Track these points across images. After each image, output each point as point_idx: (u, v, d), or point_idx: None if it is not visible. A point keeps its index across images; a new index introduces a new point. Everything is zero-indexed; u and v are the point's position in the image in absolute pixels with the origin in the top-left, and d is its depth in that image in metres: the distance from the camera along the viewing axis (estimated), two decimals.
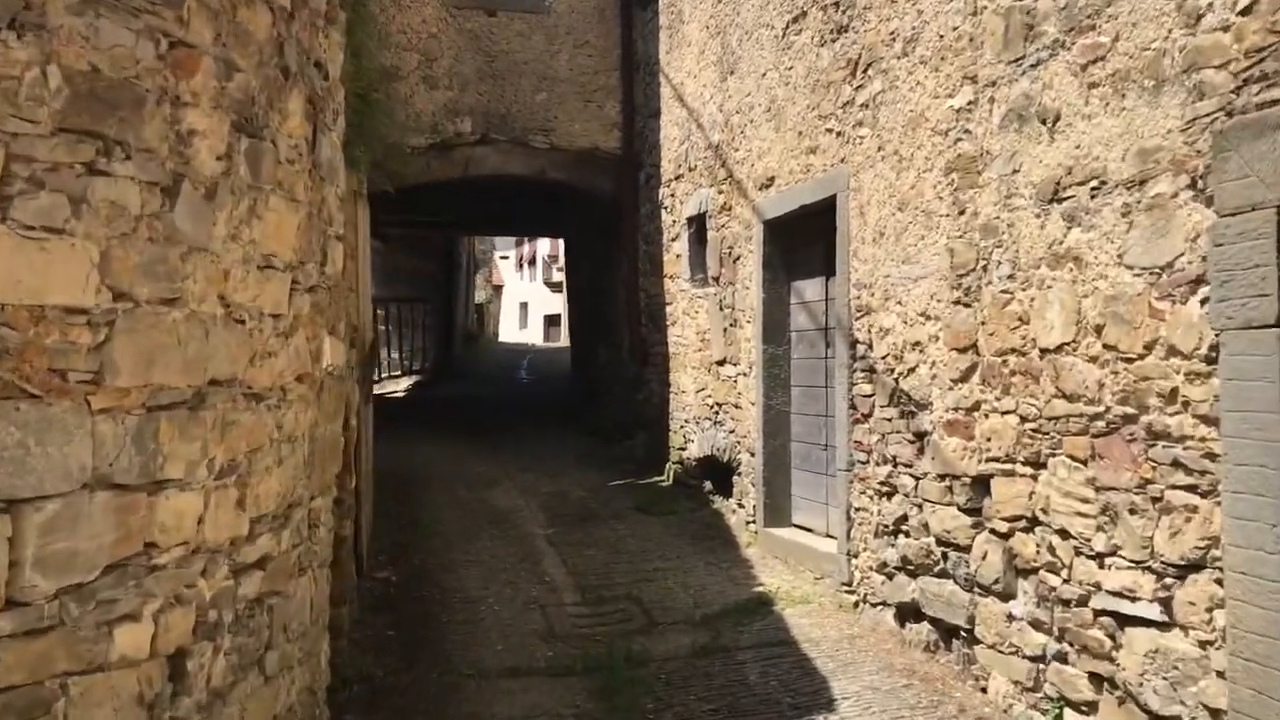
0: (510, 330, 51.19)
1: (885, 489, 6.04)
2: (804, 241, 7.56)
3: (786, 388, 7.81)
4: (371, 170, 7.35)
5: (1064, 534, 4.51)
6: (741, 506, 8.33)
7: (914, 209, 5.72)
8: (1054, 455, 4.59)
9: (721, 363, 8.76)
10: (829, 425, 7.18)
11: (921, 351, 5.65)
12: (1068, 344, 4.49)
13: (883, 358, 6.06)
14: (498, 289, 54.17)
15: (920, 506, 5.67)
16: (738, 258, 8.36)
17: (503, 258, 54.96)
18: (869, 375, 6.23)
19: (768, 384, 7.81)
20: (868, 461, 6.26)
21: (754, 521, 7.99)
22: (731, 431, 8.57)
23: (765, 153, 7.77)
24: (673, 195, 10.07)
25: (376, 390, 19.66)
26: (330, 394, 3.90)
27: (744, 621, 6.21)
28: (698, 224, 9.42)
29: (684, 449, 9.81)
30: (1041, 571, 4.68)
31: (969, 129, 5.24)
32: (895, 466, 5.92)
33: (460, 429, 13.92)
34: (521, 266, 54.17)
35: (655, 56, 10.46)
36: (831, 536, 7.12)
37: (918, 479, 5.69)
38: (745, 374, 8.22)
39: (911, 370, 5.74)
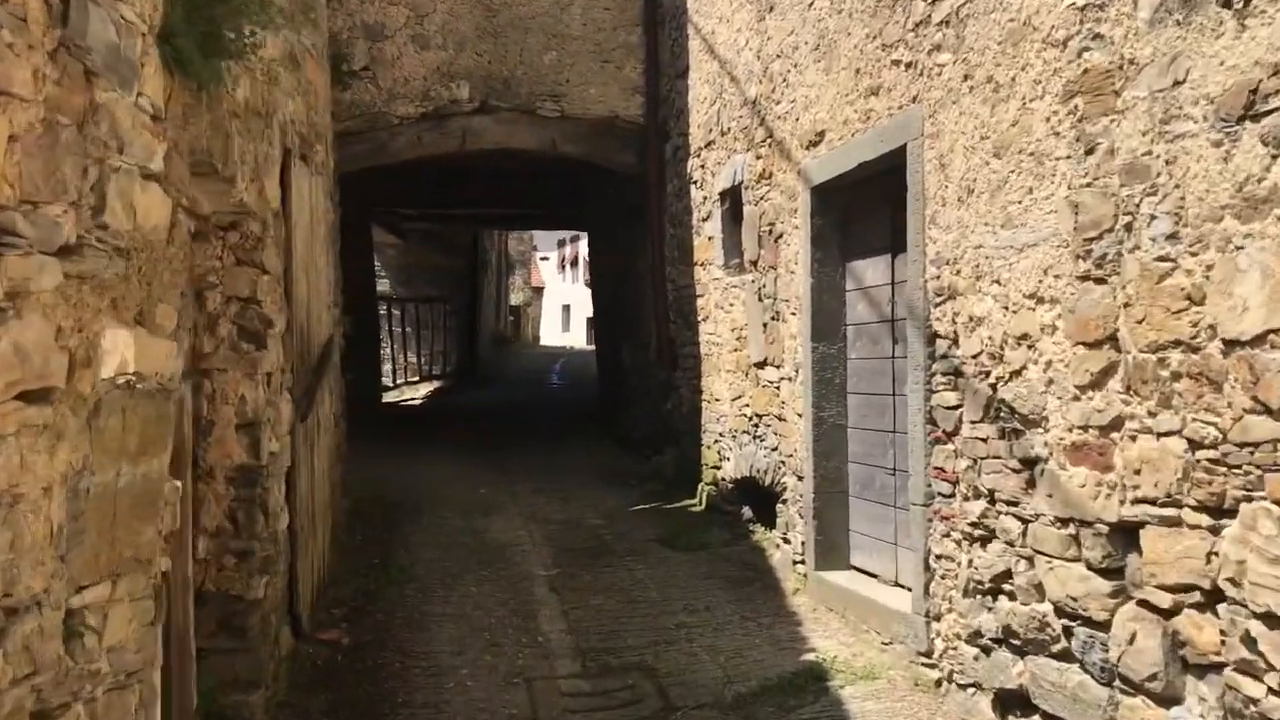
0: (553, 333, 50.80)
1: (979, 532, 4.58)
2: (863, 210, 6.12)
3: (841, 396, 6.36)
4: (312, 123, 6.02)
5: (1271, 619, 3.03)
6: (787, 541, 6.89)
7: (1017, 153, 4.26)
8: (1249, 499, 3.11)
9: (761, 365, 7.32)
10: (898, 444, 5.73)
11: (1031, 347, 4.19)
12: (1273, 332, 3.02)
13: (973, 356, 4.60)
14: (538, 291, 53.80)
15: (1030, 560, 4.21)
16: (779, 236, 6.93)
17: (543, 259, 55.03)
18: (953, 380, 4.78)
19: (818, 391, 6.37)
20: (953, 495, 4.80)
21: (802, 561, 6.55)
22: (774, 449, 7.14)
23: (813, 102, 6.33)
24: (702, 167, 8.65)
25: (391, 398, 18.45)
26: (129, 419, 2.53)
27: (791, 705, 4.78)
28: (732, 198, 7.99)
29: (718, 467, 8.39)
30: (1229, 672, 3.20)
31: (1100, 33, 3.77)
32: (993, 503, 4.46)
33: (472, 442, 12.60)
34: (564, 268, 54.23)
35: (682, 4, 9.05)
36: (903, 586, 5.67)
37: (1026, 522, 4.23)
38: (790, 379, 6.78)
39: (1016, 373, 4.28)
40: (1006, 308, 4.35)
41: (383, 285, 21.25)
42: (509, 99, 9.46)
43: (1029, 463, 4.22)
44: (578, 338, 47.32)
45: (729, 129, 7.94)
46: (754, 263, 7.40)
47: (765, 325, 7.21)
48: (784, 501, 6.98)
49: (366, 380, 15.40)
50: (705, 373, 8.73)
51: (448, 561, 7.14)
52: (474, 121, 9.46)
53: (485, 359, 23.74)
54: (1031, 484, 4.21)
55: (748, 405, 7.64)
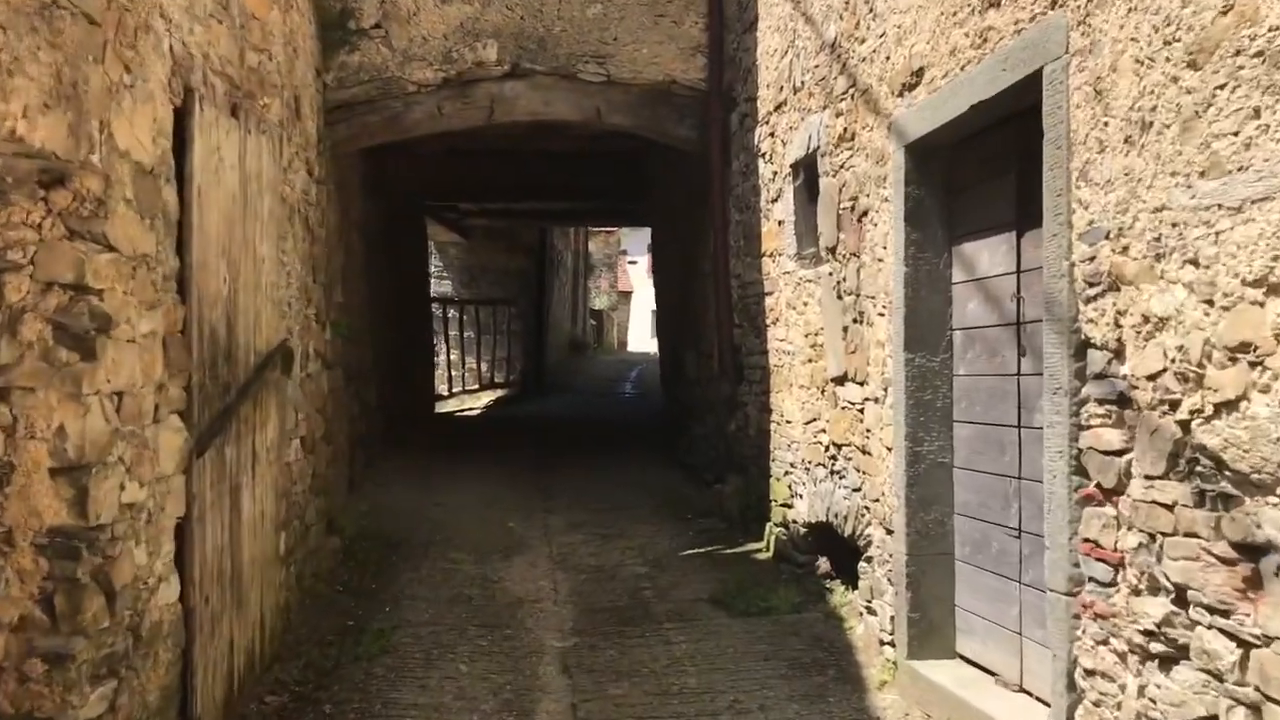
0: (641, 338, 50.46)
1: (1159, 648, 3.04)
2: (976, 172, 4.60)
3: (945, 424, 4.84)
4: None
5: None
6: (872, 612, 5.38)
7: (1232, 55, 2.73)
8: None
9: (840, 381, 5.82)
10: (1025, 495, 4.20)
11: (1257, 365, 2.65)
12: None
13: (1150, 377, 3.07)
14: (625, 295, 53.39)
15: (1255, 709, 2.67)
16: (864, 213, 5.43)
17: (632, 262, 55.08)
18: (1116, 411, 3.25)
19: (913, 417, 4.85)
20: (1114, 583, 3.27)
21: (892, 643, 5.03)
22: (856, 490, 5.63)
23: (908, 32, 4.82)
24: (771, 135, 7.17)
25: (447, 408, 17.29)
26: None
27: None
28: (806, 170, 6.52)
29: (789, 505, 6.90)
30: None
31: None
32: (1184, 605, 2.93)
33: (518, 460, 11.29)
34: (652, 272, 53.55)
35: None
36: (1032, 695, 4.13)
37: (1246, 645, 2.70)
38: (876, 399, 5.27)
39: (1227, 406, 2.75)
40: (1210, 301, 2.81)
41: (445, 286, 20.18)
42: (545, 61, 8.10)
43: (1251, 551, 2.68)
44: None
45: (803, 84, 6.46)
46: (832, 250, 5.91)
47: (845, 330, 5.70)
48: (868, 559, 5.47)
49: (416, 390, 14.27)
50: (774, 388, 7.25)
51: (442, 624, 5.78)
52: (504, 88, 8.12)
53: (555, 366, 22.51)
54: (1255, 584, 2.67)
55: (824, 431, 6.15)
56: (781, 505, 7.06)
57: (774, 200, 7.17)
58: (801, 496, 6.64)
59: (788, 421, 6.95)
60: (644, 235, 52.71)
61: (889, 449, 5.08)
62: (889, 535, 5.10)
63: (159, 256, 3.66)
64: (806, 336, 6.48)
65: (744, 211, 7.91)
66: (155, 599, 3.65)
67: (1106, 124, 3.29)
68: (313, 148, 6.38)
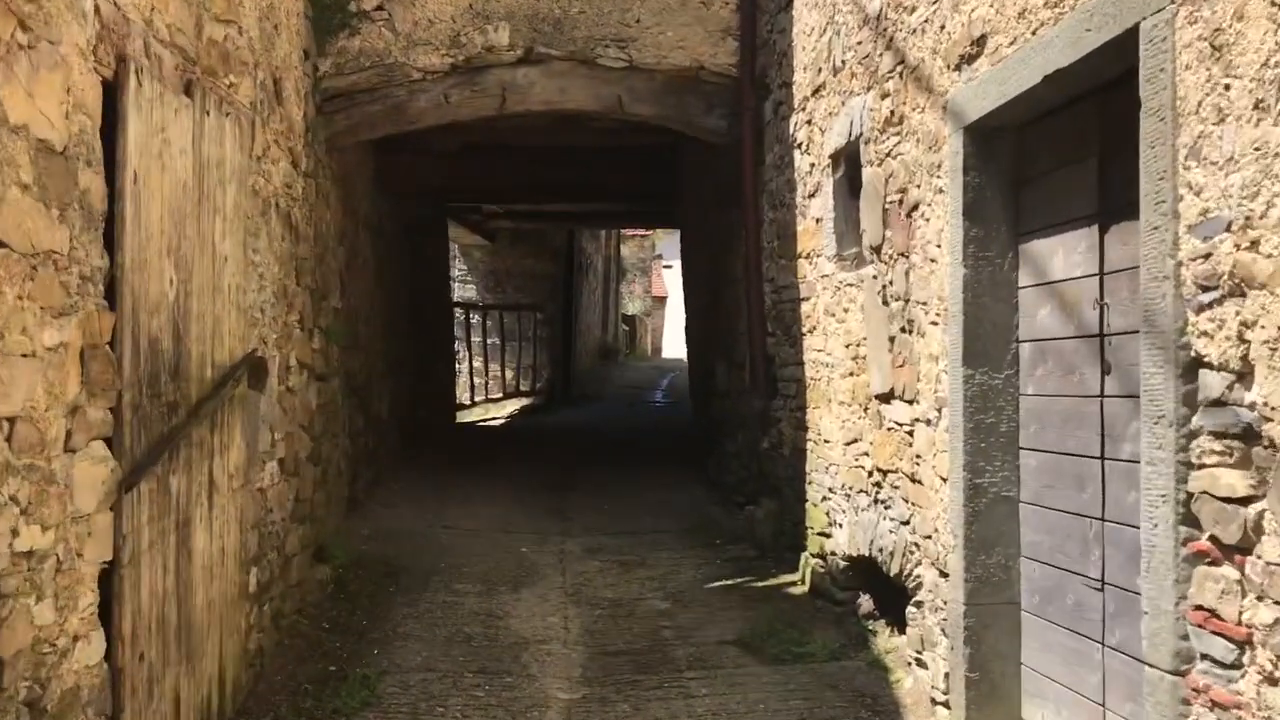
0: (675, 344, 50.06)
1: None
2: (1050, 155, 3.97)
3: (1010, 452, 4.20)
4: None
5: None
6: (923, 664, 4.74)
7: None
8: None
9: (886, 398, 5.18)
10: (1109, 540, 3.55)
11: None
12: None
13: None
14: (660, 300, 53.20)
15: None
16: (914, 207, 4.79)
17: (666, 267, 54.87)
18: (1240, 448, 2.61)
19: (973, 443, 4.21)
20: (1238, 665, 2.63)
21: (946, 704, 4.39)
22: (904, 522, 4.98)
23: None
24: (809, 123, 6.55)
25: (469, 417, 16.76)
26: None
27: None
28: (847, 161, 5.89)
29: (827, 534, 6.27)
30: None
31: None
32: None
33: (539, 475, 10.71)
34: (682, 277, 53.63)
35: None
36: None
37: None
38: (928, 420, 4.63)
39: None
40: None
41: (469, 291, 19.68)
42: (561, 45, 7.52)
43: None
44: None
45: (843, 63, 5.83)
46: (877, 250, 5.27)
47: (892, 340, 5.07)
48: (918, 604, 4.82)
49: (435, 400, 13.77)
50: (811, 403, 6.62)
51: (436, 670, 5.20)
52: (517, 75, 7.55)
53: (583, 373, 21.94)
54: None
55: (866, 454, 5.51)
56: (819, 534, 6.43)
57: (811, 195, 6.54)
58: (841, 526, 6.00)
59: (826, 441, 6.32)
60: (678, 239, 53.09)
61: (943, 479, 4.44)
62: (943, 578, 4.45)
63: (74, 254, 3.10)
64: (847, 347, 5.85)
65: (778, 209, 7.29)
66: (69, 662, 3.09)
67: (1228, 87, 2.65)
68: (298, 137, 5.84)
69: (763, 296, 7.57)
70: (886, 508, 5.22)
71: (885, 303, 5.14)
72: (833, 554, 6.14)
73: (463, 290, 19.44)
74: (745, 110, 7.62)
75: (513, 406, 18.19)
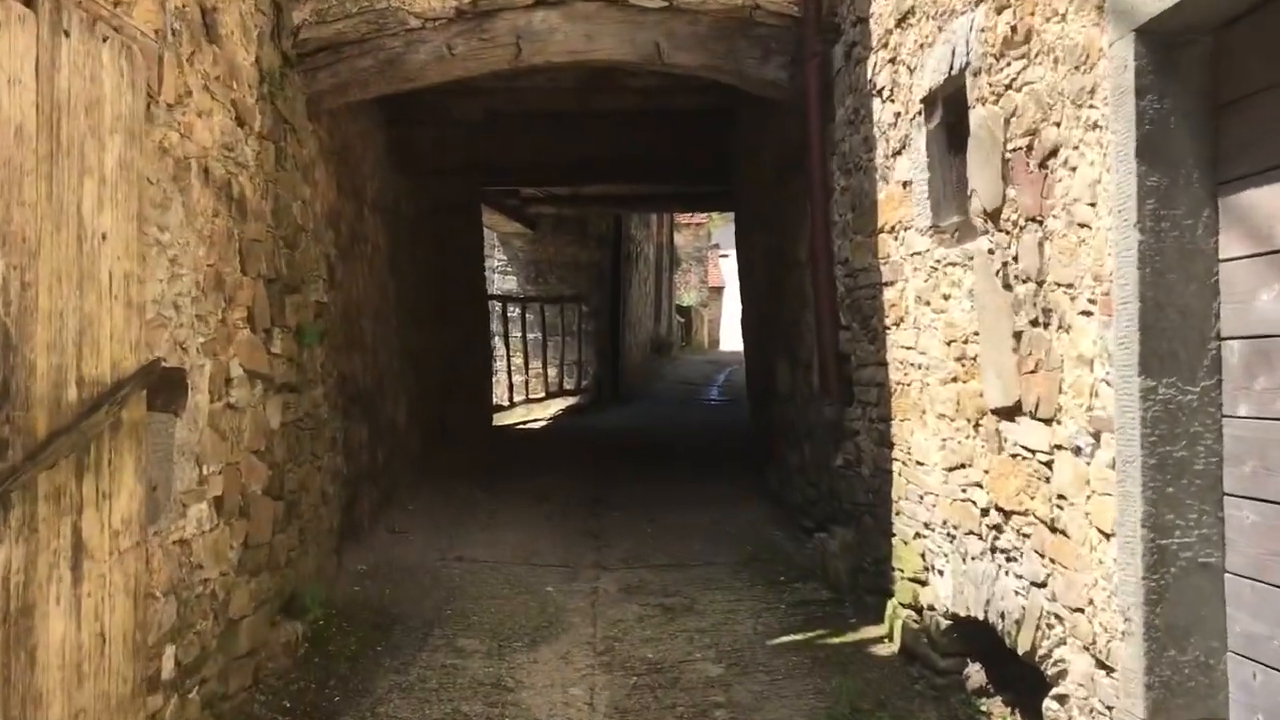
0: (734, 336, 49.42)
1: None
2: (1273, 67, 2.72)
3: (1212, 499, 2.94)
4: None
5: None
6: None
7: None
8: None
9: (1009, 413, 3.91)
10: None
11: None
12: None
13: None
14: (717, 290, 52.58)
15: None
16: (1050, 153, 3.52)
17: (723, 256, 54.46)
18: None
19: (1156, 486, 2.96)
20: None
21: None
22: (1039, 584, 3.72)
23: None
24: (892, 61, 5.28)
25: (508, 419, 15.65)
26: None
27: None
28: (947, 103, 4.63)
29: (922, 580, 5.03)
30: None
31: None
32: None
33: (575, 489, 9.56)
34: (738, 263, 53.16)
35: None
36: None
37: None
38: (1078, 449, 3.37)
39: None
40: None
41: (509, 283, 18.59)
42: None
43: None
44: None
45: None
46: (992, 215, 4.00)
47: (1018, 336, 3.80)
48: (1060, 698, 3.57)
49: (468, 402, 12.71)
50: (897, 413, 5.38)
51: None
52: (534, 19, 6.36)
53: (633, 369, 20.75)
54: None
55: (978, 485, 4.26)
56: (911, 579, 5.18)
57: (896, 154, 5.28)
58: (941, 573, 4.76)
59: (918, 463, 5.07)
60: (733, 225, 52.57)
61: (1104, 533, 3.19)
62: (1104, 672, 3.20)
63: None
64: (949, 344, 4.59)
65: (853, 174, 6.04)
66: None
67: None
68: (248, 87, 4.69)
69: (834, 282, 6.32)
70: (1010, 560, 3.97)
71: (1007, 286, 3.88)
72: (930, 608, 4.90)
73: (503, 282, 18.36)
74: (810, 56, 6.36)
75: (556, 407, 17.05)
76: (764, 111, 8.13)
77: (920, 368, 5.01)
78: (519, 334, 17.39)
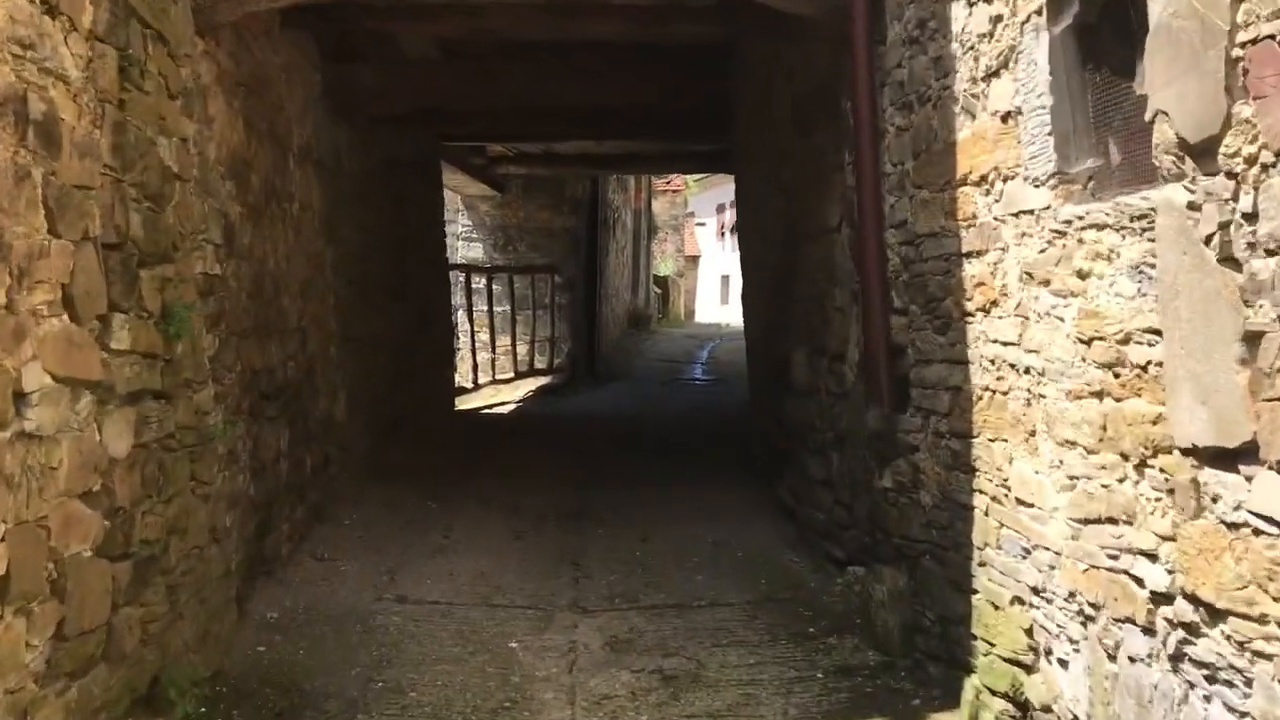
0: (710, 306, 49.29)
1: None
2: None
3: None
4: None
5: None
6: None
7: None
8: None
9: (1228, 459, 2.53)
10: None
11: None
12: None
13: None
14: (693, 260, 51.88)
15: None
16: None
17: (700, 224, 54.25)
18: None
19: None
20: None
21: None
22: None
23: None
24: None
25: (472, 403, 14.21)
26: None
27: None
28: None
29: (1026, 664, 3.68)
30: None
31: None
32: None
33: (549, 495, 8.18)
34: (722, 235, 54.01)
35: None
36: None
37: None
38: None
39: None
40: None
41: (475, 250, 17.10)
42: None
43: None
44: (736, 313, 45.15)
45: None
46: (1200, 149, 2.59)
47: (1253, 341, 2.42)
48: None
49: (426, 385, 11.32)
50: (984, 427, 4.01)
51: None
52: None
53: (611, 345, 19.33)
54: None
55: (1149, 556, 2.89)
56: (1007, 660, 3.83)
57: (990, 75, 3.88)
58: (1065, 664, 3.41)
59: (1021, 502, 3.71)
60: (712, 196, 51.53)
61: None
62: None
63: None
64: (1088, 342, 3.21)
65: (914, 110, 4.64)
66: None
67: None
68: None
69: (883, 251, 4.93)
70: (1216, 681, 2.62)
71: (1229, 260, 2.50)
72: (1046, 710, 3.55)
73: (467, 250, 16.88)
74: None
75: (526, 388, 15.63)
76: (778, 43, 6.73)
77: (1029, 371, 3.64)
78: (485, 308, 15.91)
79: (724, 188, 48.19)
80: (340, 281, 8.17)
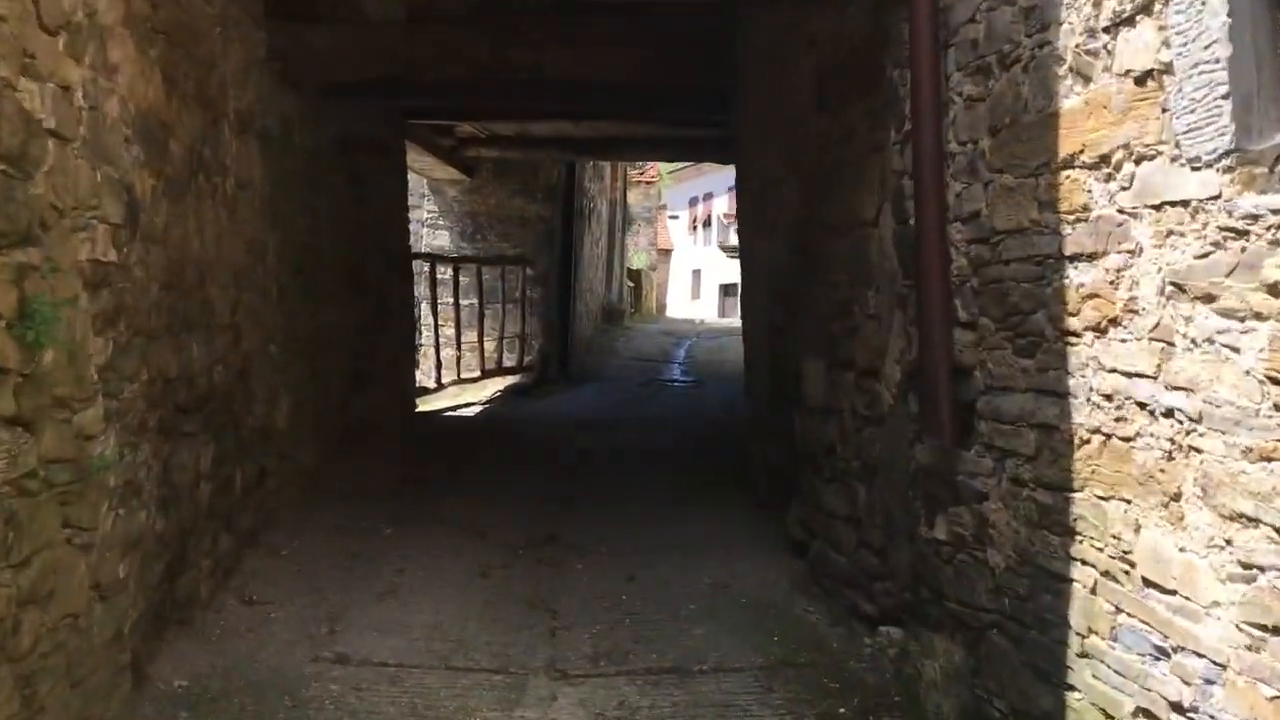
0: (681, 301, 49.22)
1: None
2: None
3: None
4: None
5: None
6: None
7: None
8: None
9: None
10: None
11: None
12: None
13: None
14: (665, 253, 51.43)
15: None
16: None
17: (673, 217, 54.24)
18: None
19: None
20: None
21: None
22: None
23: None
24: None
25: (435, 404, 13.21)
26: None
27: None
28: None
29: None
30: None
31: None
32: None
33: (518, 521, 7.26)
34: (695, 228, 52.34)
35: None
36: None
37: None
38: None
39: None
40: None
41: (441, 239, 16.11)
42: None
43: None
44: (707, 307, 44.97)
45: None
46: None
47: None
48: None
49: (384, 387, 10.35)
50: (1093, 480, 3.14)
51: None
52: None
53: (584, 342, 18.39)
54: None
55: None
56: None
57: (1119, 24, 2.99)
58: None
59: (1157, 586, 2.84)
60: (685, 188, 50.96)
61: None
62: None
63: None
64: None
65: (993, 76, 3.75)
66: None
67: None
68: None
69: (946, 250, 4.04)
70: None
71: None
72: None
73: (432, 238, 15.88)
74: None
75: (493, 388, 14.66)
76: (797, 6, 5.85)
77: (1172, 415, 2.77)
78: (451, 300, 14.91)
79: (697, 180, 47.77)
80: (286, 271, 7.22)
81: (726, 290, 46.13)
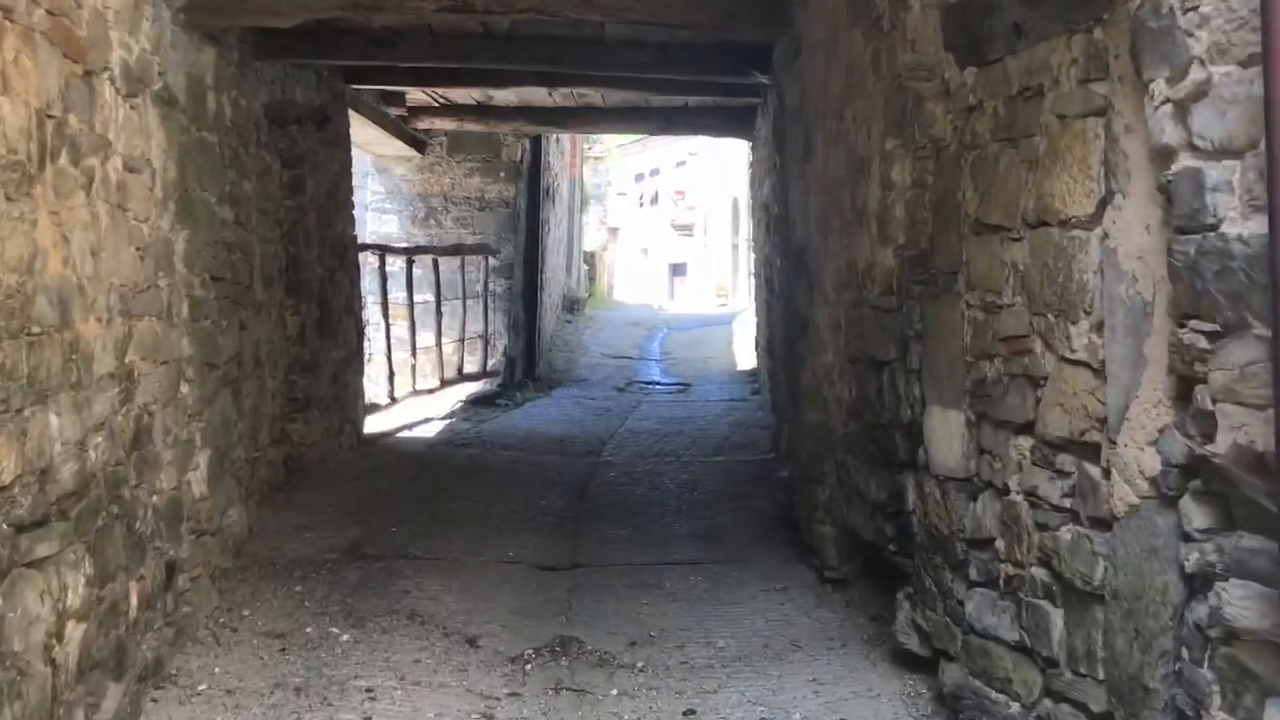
0: (628, 283, 47.59)
1: None
2: None
3: None
4: None
5: None
6: None
7: None
8: None
9: None
10: None
11: None
12: None
13: None
14: (613, 232, 50.40)
15: None
16: None
17: (620, 194, 52.64)
18: None
19: None
20: None
21: None
22: None
23: None
24: None
25: (382, 424, 11.15)
26: None
27: None
28: None
29: None
30: None
31: None
32: None
33: (528, 598, 5.70)
34: (642, 204, 51.40)
35: None
36: None
37: None
38: None
39: None
40: None
41: (389, 225, 14.34)
42: None
43: None
44: (658, 289, 43.70)
45: None
46: None
47: None
48: None
49: (325, 407, 8.68)
50: None
51: None
52: None
53: (549, 339, 16.68)
54: None
55: None
56: None
57: None
58: None
59: None
60: (632, 164, 49.84)
61: None
62: None
63: None
64: None
65: None
66: None
67: None
68: None
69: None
70: None
71: None
72: None
73: (378, 224, 14.09)
74: None
75: (452, 400, 12.91)
76: None
77: None
78: (403, 295, 13.08)
79: (642, 155, 46.58)
80: (200, 279, 5.51)
81: (676, 270, 45.59)
